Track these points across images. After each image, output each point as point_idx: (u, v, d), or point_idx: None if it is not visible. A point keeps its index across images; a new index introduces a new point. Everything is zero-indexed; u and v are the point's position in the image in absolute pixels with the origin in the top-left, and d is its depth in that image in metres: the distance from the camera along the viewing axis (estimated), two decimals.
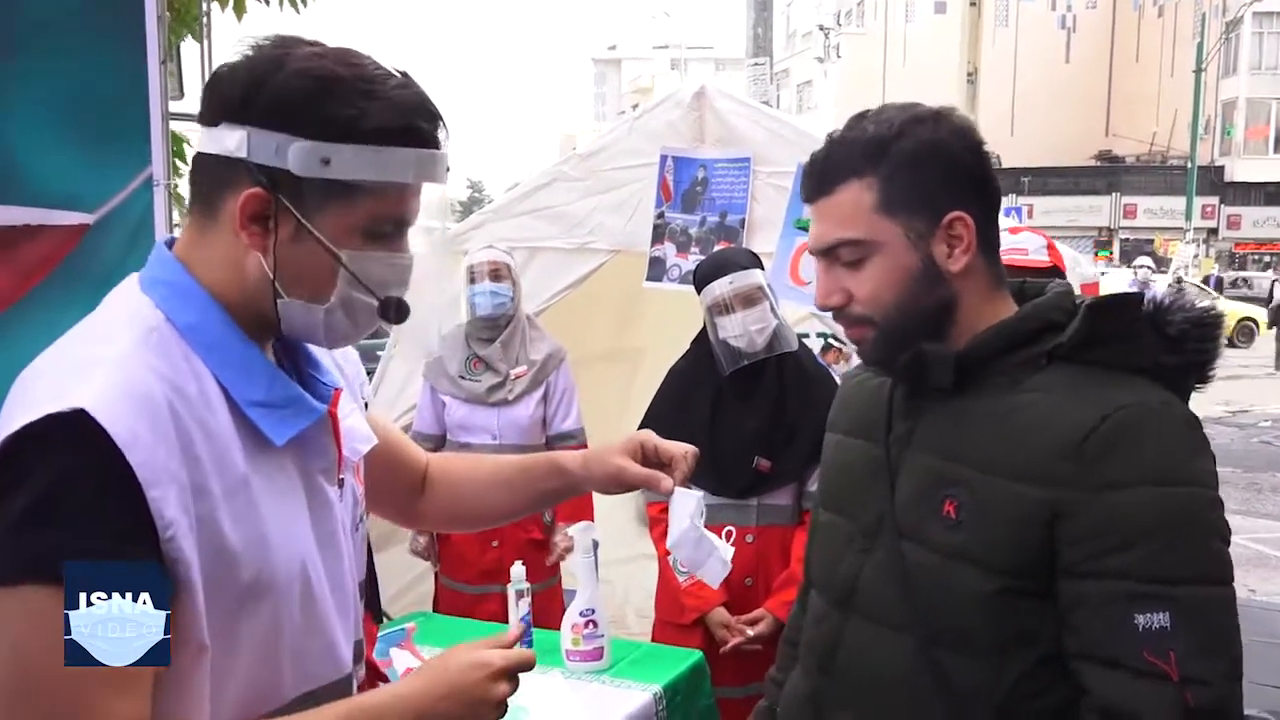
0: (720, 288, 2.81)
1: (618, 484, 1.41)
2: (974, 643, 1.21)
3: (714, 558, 1.41)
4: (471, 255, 3.57)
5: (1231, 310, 19.56)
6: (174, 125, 2.46)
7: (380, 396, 3.91)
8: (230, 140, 1.01)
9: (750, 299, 2.80)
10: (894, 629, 1.27)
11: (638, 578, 4.63)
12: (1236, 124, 31.24)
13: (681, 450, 1.39)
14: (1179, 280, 18.15)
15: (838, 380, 2.77)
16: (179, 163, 3.47)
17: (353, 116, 1.00)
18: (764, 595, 2.84)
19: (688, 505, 1.39)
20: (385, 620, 3.15)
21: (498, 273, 3.50)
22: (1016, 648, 1.20)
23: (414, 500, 1.47)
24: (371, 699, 1.08)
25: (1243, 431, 10.86)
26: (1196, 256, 26.47)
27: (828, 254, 1.29)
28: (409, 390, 3.86)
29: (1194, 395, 1.28)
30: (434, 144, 1.06)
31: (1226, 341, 15.54)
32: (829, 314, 1.35)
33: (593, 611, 2.54)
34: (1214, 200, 30.55)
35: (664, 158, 3.71)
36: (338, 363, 1.23)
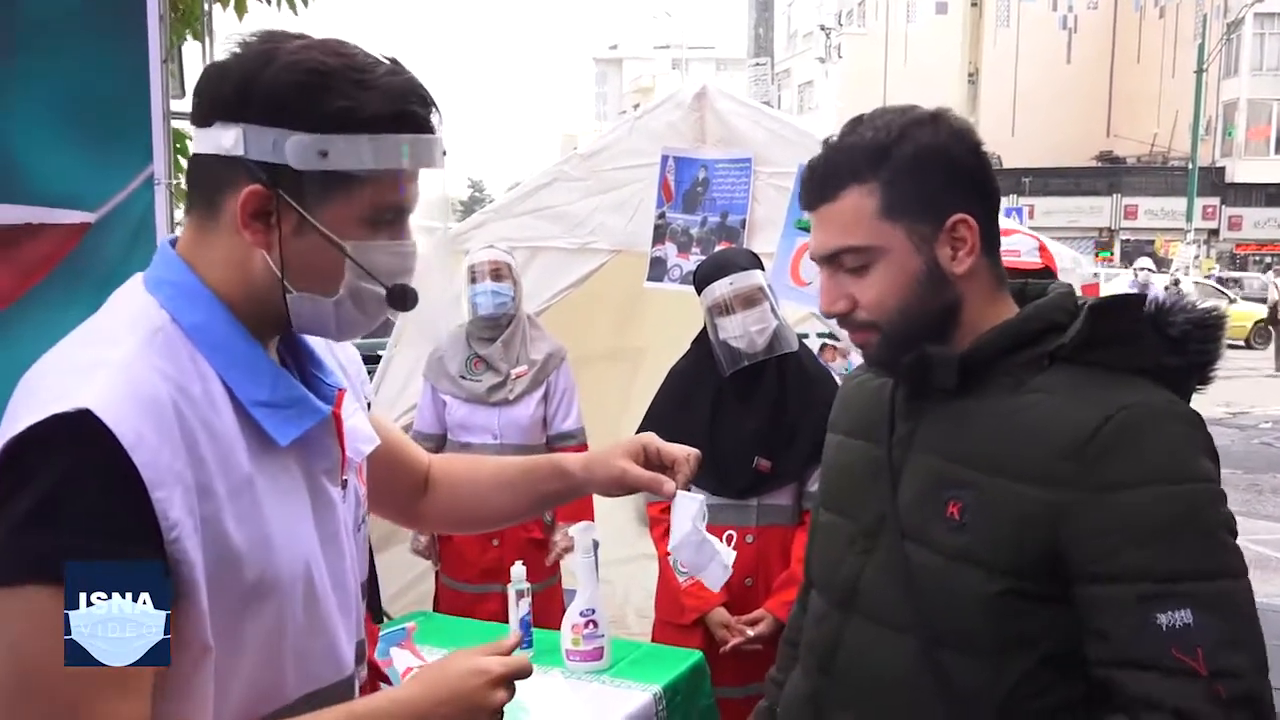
0: (720, 288, 2.81)
1: (620, 486, 1.41)
2: (976, 643, 1.21)
3: (715, 562, 1.41)
4: (472, 255, 3.57)
5: (1246, 312, 19.46)
6: (175, 124, 2.46)
7: (381, 396, 3.91)
8: (226, 139, 1.00)
9: (750, 300, 2.80)
10: (895, 629, 1.27)
11: (638, 578, 4.63)
12: (1238, 125, 31.22)
13: (684, 453, 1.39)
14: (1176, 282, 18.12)
15: (838, 380, 2.78)
16: (181, 159, 3.47)
17: (347, 107, 1.00)
18: (764, 595, 2.84)
19: (690, 508, 1.39)
20: (385, 620, 3.15)
21: (498, 272, 3.50)
22: (1018, 648, 1.20)
23: (415, 501, 1.47)
24: (369, 704, 1.08)
25: (1243, 433, 10.86)
26: (1197, 257, 26.47)
27: (831, 260, 1.29)
28: (410, 390, 3.86)
29: (1194, 396, 1.28)
30: (428, 128, 1.06)
31: (1243, 344, 15.47)
32: (834, 320, 1.34)
33: (593, 611, 2.54)
34: (1215, 201, 30.54)
35: (665, 158, 3.71)
36: (340, 363, 1.23)
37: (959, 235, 1.25)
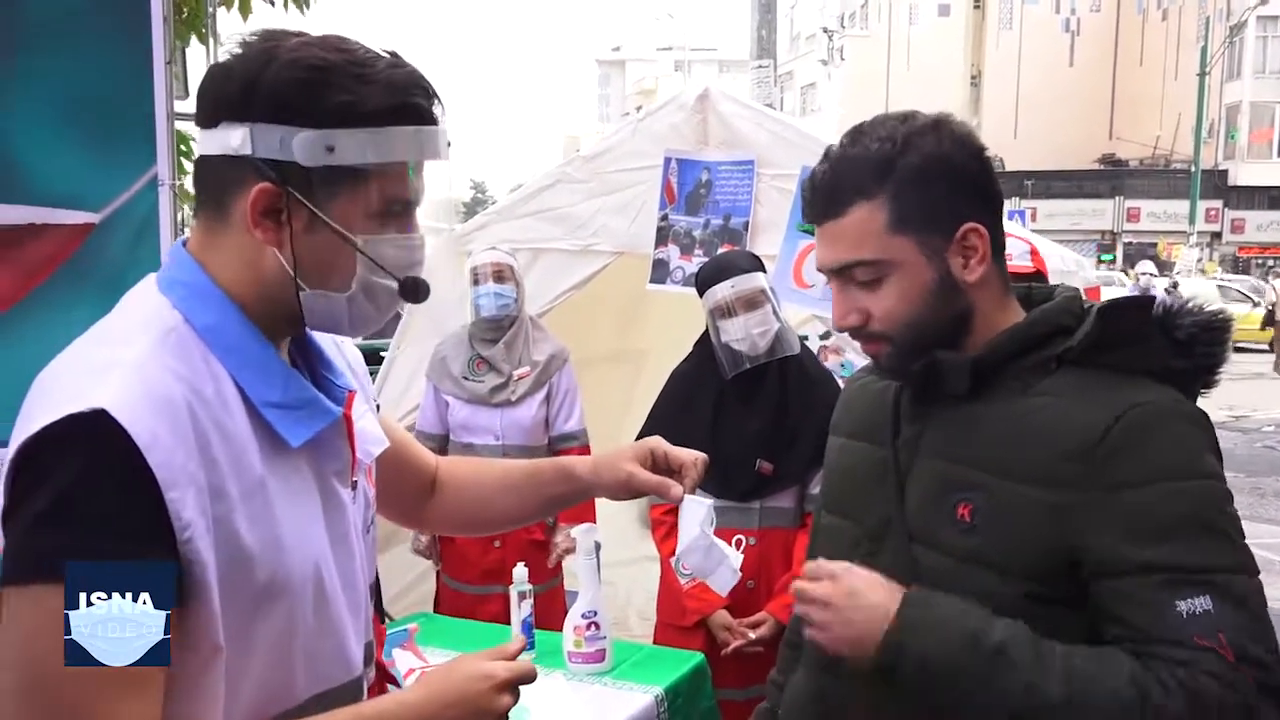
0: (722, 291, 2.81)
1: (627, 490, 1.41)
2: None
3: (724, 566, 1.41)
4: (475, 257, 3.57)
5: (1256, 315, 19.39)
6: (179, 125, 2.46)
7: (384, 397, 3.91)
8: (233, 138, 1.01)
9: (752, 302, 2.80)
10: None
11: (640, 580, 4.63)
12: (1240, 128, 31.22)
13: (691, 457, 1.39)
14: (1174, 284, 18.10)
15: (840, 382, 2.78)
16: (185, 162, 3.48)
17: (351, 101, 1.00)
18: (766, 598, 2.84)
19: (698, 513, 1.39)
20: (388, 620, 3.15)
21: (501, 274, 3.50)
22: None
23: (422, 503, 1.47)
24: (376, 706, 1.09)
25: (1246, 436, 10.85)
26: (1200, 260, 26.45)
27: (841, 274, 1.29)
28: (412, 390, 3.87)
29: (1197, 400, 1.28)
30: (432, 120, 1.06)
31: (1268, 348, 15.28)
32: (846, 333, 1.34)
33: (595, 613, 2.54)
34: (1218, 204, 30.53)
35: (668, 160, 3.71)
36: (350, 364, 1.24)
37: (970, 244, 1.26)
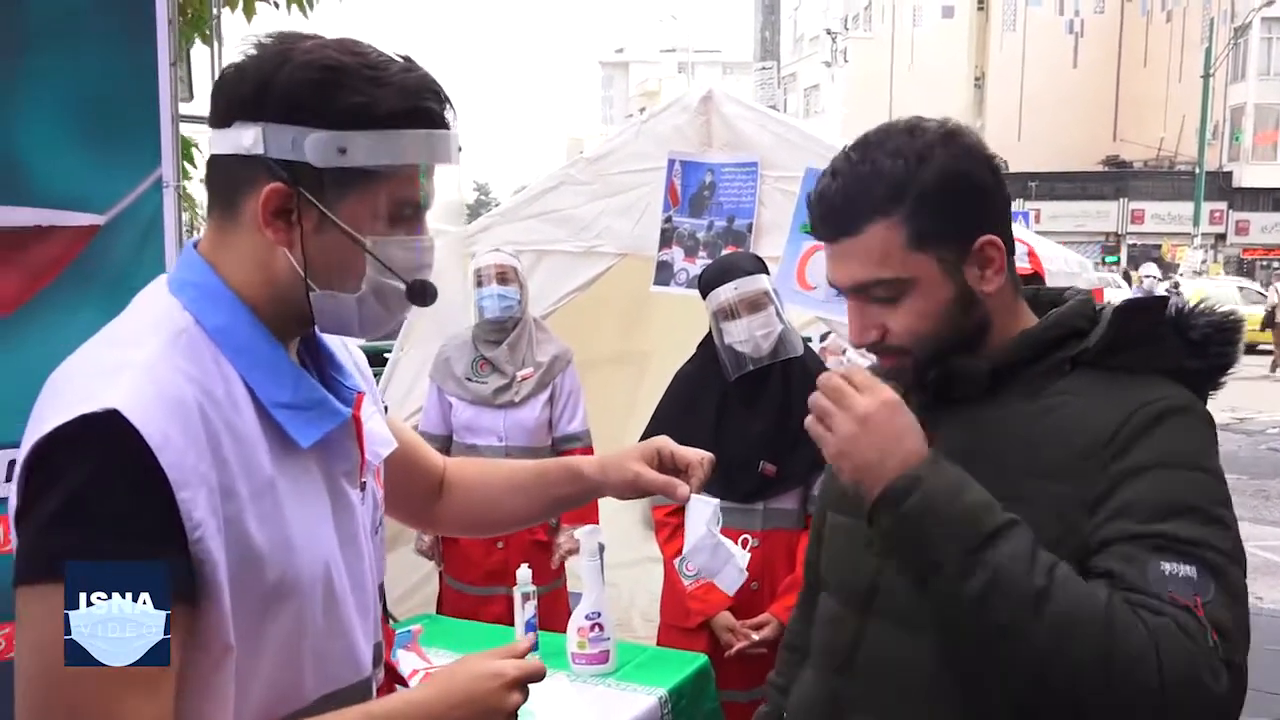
0: (725, 293, 2.81)
1: (634, 489, 1.41)
2: None
3: (731, 565, 1.41)
4: (479, 258, 3.58)
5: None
6: (182, 128, 2.47)
7: (388, 398, 3.90)
8: (246, 138, 1.01)
9: (755, 304, 2.80)
10: (917, 629, 1.26)
11: (643, 581, 4.63)
12: (1245, 129, 31.18)
13: (698, 457, 1.40)
14: (1175, 285, 18.08)
15: None
16: (187, 165, 3.48)
17: (364, 103, 1.01)
18: (769, 599, 2.85)
19: (704, 512, 1.39)
20: (392, 622, 3.15)
21: (504, 276, 3.51)
22: None
23: (430, 505, 1.47)
24: (385, 705, 1.09)
25: (1250, 438, 10.83)
26: (1204, 262, 26.42)
27: (859, 292, 1.29)
28: (416, 391, 3.87)
29: (1208, 401, 1.29)
30: (443, 124, 1.07)
31: (1272, 349, 15.15)
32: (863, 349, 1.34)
33: (598, 615, 2.54)
34: (1222, 206, 30.49)
35: (671, 162, 3.72)
36: (358, 365, 1.24)
37: (987, 256, 1.25)
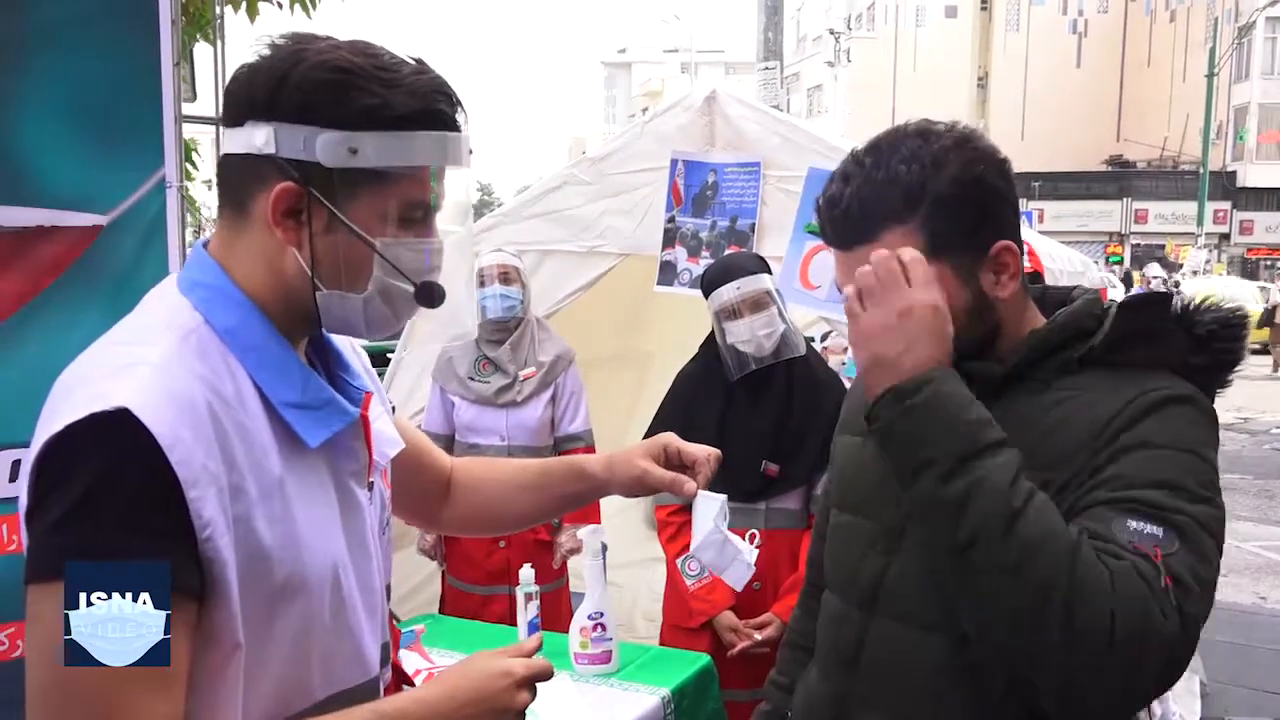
0: (728, 293, 2.81)
1: (641, 486, 1.41)
2: None
3: (738, 561, 1.41)
4: (481, 258, 3.58)
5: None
6: (185, 128, 2.47)
7: (390, 397, 3.91)
8: (258, 137, 1.02)
9: (758, 304, 2.80)
10: (923, 628, 1.27)
11: (646, 581, 4.64)
12: (1249, 129, 31.15)
13: (704, 453, 1.40)
14: (1175, 285, 18.06)
15: (845, 382, 2.78)
16: (188, 166, 3.48)
17: (376, 105, 1.01)
18: (772, 599, 2.85)
19: (711, 508, 1.39)
20: (395, 622, 3.15)
21: (507, 276, 3.51)
22: None
23: (437, 505, 1.47)
24: (394, 703, 1.09)
25: (1254, 438, 10.82)
26: (1208, 261, 26.39)
27: None
28: (419, 392, 3.87)
29: (1214, 399, 1.29)
30: (455, 126, 1.07)
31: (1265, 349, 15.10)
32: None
33: (601, 615, 2.54)
34: (1226, 205, 30.47)
35: (674, 162, 3.72)
36: (366, 366, 1.24)
37: (1003, 261, 1.25)
